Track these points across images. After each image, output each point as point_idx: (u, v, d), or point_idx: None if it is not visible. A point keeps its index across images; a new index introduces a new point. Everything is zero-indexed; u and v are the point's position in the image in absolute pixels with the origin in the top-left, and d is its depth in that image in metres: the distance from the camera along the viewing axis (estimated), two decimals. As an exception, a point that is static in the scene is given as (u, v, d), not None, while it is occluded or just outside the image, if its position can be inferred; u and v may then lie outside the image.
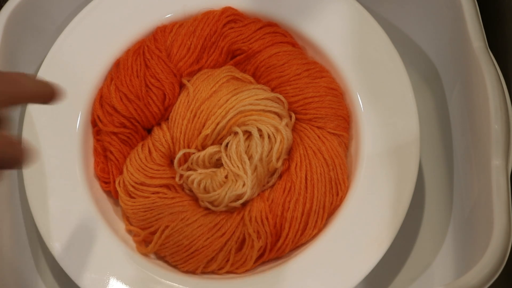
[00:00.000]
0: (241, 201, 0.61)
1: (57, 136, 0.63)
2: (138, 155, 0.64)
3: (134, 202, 0.63)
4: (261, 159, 0.61)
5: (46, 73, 0.65)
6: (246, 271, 0.61)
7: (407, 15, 0.71)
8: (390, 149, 0.62)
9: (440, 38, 0.69)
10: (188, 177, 0.63)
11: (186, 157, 0.63)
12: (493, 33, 0.66)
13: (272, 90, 0.65)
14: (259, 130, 0.62)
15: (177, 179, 0.64)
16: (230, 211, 0.62)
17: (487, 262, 0.53)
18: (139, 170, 0.63)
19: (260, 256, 0.61)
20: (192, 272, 0.61)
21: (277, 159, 0.62)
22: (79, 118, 0.64)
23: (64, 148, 0.63)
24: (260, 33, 0.66)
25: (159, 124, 0.65)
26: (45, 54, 0.66)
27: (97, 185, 0.65)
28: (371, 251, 0.59)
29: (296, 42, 0.67)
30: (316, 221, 0.61)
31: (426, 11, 0.69)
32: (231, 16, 0.66)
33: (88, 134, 0.65)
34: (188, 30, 0.65)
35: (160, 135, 0.64)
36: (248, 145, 0.62)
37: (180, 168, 0.64)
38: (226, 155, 0.62)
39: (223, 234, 0.61)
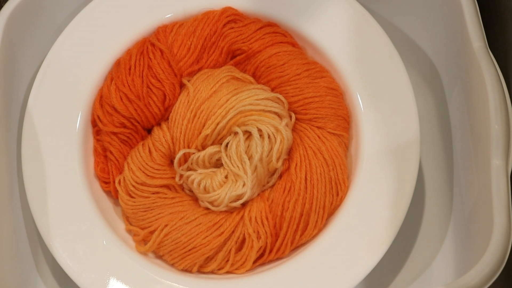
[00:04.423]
0: (241, 201, 0.61)
1: (57, 136, 0.63)
2: (140, 153, 0.64)
3: (134, 202, 0.63)
4: (261, 159, 0.61)
5: (46, 73, 0.65)
6: (246, 271, 0.61)
7: (407, 15, 0.71)
8: (390, 149, 0.62)
9: (440, 38, 0.69)
10: (188, 177, 0.63)
11: (186, 157, 0.64)
12: (493, 33, 0.66)
13: (272, 90, 0.65)
14: (259, 130, 0.62)
15: (177, 179, 0.64)
16: (230, 211, 0.62)
17: (487, 262, 0.53)
18: (140, 169, 0.63)
19: (260, 256, 0.61)
20: (189, 270, 0.61)
21: (277, 159, 0.62)
22: (79, 118, 0.64)
23: (64, 148, 0.63)
24: (260, 33, 0.66)
25: (159, 124, 0.65)
26: (45, 54, 0.66)
27: (97, 185, 0.65)
28: (371, 251, 0.59)
29: (296, 42, 0.67)
30: (316, 221, 0.61)
31: (426, 11, 0.69)
32: (231, 16, 0.66)
33: (88, 134, 0.65)
34: (188, 30, 0.65)
35: (160, 135, 0.64)
36: (248, 145, 0.62)
37: (180, 168, 0.64)
38: (226, 155, 0.62)
39: (222, 233, 0.61)
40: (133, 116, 0.63)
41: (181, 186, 0.64)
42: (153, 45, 0.65)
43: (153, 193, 0.63)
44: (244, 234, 0.61)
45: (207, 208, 0.62)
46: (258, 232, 0.60)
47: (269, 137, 0.62)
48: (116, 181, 0.64)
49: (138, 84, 0.63)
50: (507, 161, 0.57)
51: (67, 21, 0.67)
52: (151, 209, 0.63)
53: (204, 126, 0.63)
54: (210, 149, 0.63)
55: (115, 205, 0.65)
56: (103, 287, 0.59)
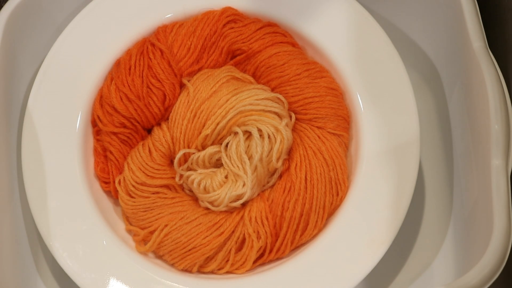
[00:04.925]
0: (241, 201, 0.61)
1: (57, 136, 0.63)
2: (140, 153, 0.64)
3: (134, 202, 0.63)
4: (261, 159, 0.61)
5: (46, 73, 0.65)
6: (246, 271, 0.61)
7: (407, 15, 0.71)
8: (390, 149, 0.62)
9: (440, 38, 0.69)
10: (188, 177, 0.63)
11: (186, 157, 0.64)
12: (493, 33, 0.66)
13: (272, 90, 0.65)
14: (259, 130, 0.62)
15: (177, 179, 0.64)
16: (230, 211, 0.62)
17: (487, 262, 0.53)
18: (140, 169, 0.63)
19: (260, 256, 0.61)
20: (189, 270, 0.61)
21: (277, 159, 0.62)
22: (79, 118, 0.64)
23: (64, 148, 0.63)
24: (260, 33, 0.66)
25: (159, 124, 0.65)
26: (45, 54, 0.66)
27: (97, 185, 0.65)
28: (371, 251, 0.59)
29: (296, 42, 0.67)
30: (316, 221, 0.61)
31: (426, 11, 0.69)
32: (231, 16, 0.66)
33: (88, 134, 0.65)
34: (188, 30, 0.65)
35: (160, 135, 0.64)
36: (248, 145, 0.62)
37: (180, 168, 0.64)
38: (226, 155, 0.62)
39: (222, 233, 0.61)
40: (133, 116, 0.63)
41: (181, 186, 0.64)
42: (153, 45, 0.65)
43: (153, 193, 0.63)
44: (244, 234, 0.61)
45: (207, 208, 0.62)
46: (258, 232, 0.60)
47: (269, 137, 0.62)
48: (116, 181, 0.64)
49: (138, 84, 0.63)
50: (507, 161, 0.56)
51: (67, 21, 0.67)
52: (151, 209, 0.63)
53: (204, 126, 0.63)
54: (210, 149, 0.63)
55: (115, 205, 0.65)
56: (103, 287, 0.59)
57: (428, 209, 0.68)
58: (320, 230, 0.62)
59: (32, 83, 0.65)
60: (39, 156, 0.63)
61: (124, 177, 0.63)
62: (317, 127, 0.64)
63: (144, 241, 0.62)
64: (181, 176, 0.64)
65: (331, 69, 0.65)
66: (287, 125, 0.63)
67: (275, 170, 0.63)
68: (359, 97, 0.64)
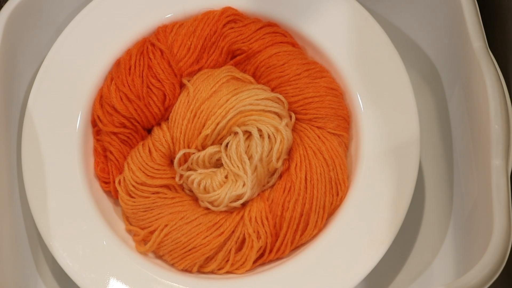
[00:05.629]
0: (241, 201, 0.61)
1: (57, 136, 0.63)
2: (139, 153, 0.64)
3: (134, 202, 0.63)
4: (261, 159, 0.61)
5: (46, 73, 0.65)
6: (246, 271, 0.61)
7: (407, 15, 0.71)
8: (390, 149, 0.62)
9: (440, 38, 0.69)
10: (188, 177, 0.63)
11: (186, 157, 0.64)
12: (493, 33, 0.66)
13: (272, 90, 0.65)
14: (259, 130, 0.62)
15: (177, 179, 0.64)
16: (230, 211, 0.62)
17: (487, 262, 0.53)
18: (140, 169, 0.63)
19: (260, 256, 0.61)
20: (189, 270, 0.61)
21: (277, 159, 0.62)
22: (79, 118, 0.64)
23: (64, 148, 0.63)
24: (260, 33, 0.66)
25: (159, 124, 0.65)
26: (45, 54, 0.66)
27: (97, 185, 0.65)
28: (371, 251, 0.59)
29: (296, 42, 0.67)
30: (316, 221, 0.61)
31: (426, 11, 0.70)
32: (231, 16, 0.66)
33: (88, 134, 0.65)
34: (188, 30, 0.65)
35: (160, 135, 0.64)
36: (248, 145, 0.62)
37: (180, 168, 0.64)
38: (226, 155, 0.62)
39: (222, 233, 0.61)
40: (133, 116, 0.63)
41: (181, 186, 0.64)
42: (153, 45, 0.65)
43: (153, 193, 0.63)
44: (244, 234, 0.61)
45: (207, 208, 0.62)
46: (258, 232, 0.61)
47: (269, 137, 0.62)
48: (116, 181, 0.64)
49: (138, 84, 0.63)
50: (507, 161, 0.56)
51: (67, 21, 0.67)
52: (151, 209, 0.63)
53: (204, 126, 0.63)
54: (210, 149, 0.63)
55: (115, 205, 0.65)
56: (103, 287, 0.59)
57: (428, 209, 0.68)
58: (320, 230, 0.62)
59: (32, 83, 0.65)
60: (39, 156, 0.63)
61: (124, 177, 0.63)
62: (317, 127, 0.64)
63: (144, 241, 0.62)
64: (181, 176, 0.64)
65: (331, 69, 0.65)
66: (287, 125, 0.63)
67: (275, 170, 0.63)
68: (359, 97, 0.64)
